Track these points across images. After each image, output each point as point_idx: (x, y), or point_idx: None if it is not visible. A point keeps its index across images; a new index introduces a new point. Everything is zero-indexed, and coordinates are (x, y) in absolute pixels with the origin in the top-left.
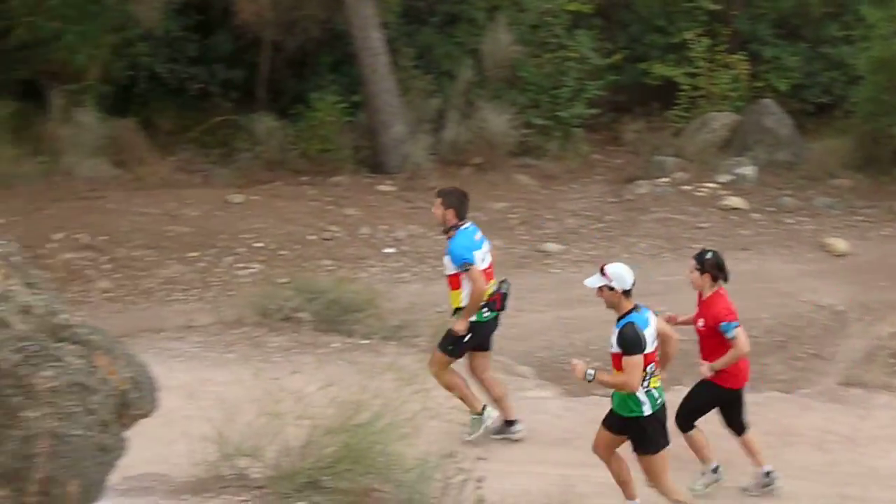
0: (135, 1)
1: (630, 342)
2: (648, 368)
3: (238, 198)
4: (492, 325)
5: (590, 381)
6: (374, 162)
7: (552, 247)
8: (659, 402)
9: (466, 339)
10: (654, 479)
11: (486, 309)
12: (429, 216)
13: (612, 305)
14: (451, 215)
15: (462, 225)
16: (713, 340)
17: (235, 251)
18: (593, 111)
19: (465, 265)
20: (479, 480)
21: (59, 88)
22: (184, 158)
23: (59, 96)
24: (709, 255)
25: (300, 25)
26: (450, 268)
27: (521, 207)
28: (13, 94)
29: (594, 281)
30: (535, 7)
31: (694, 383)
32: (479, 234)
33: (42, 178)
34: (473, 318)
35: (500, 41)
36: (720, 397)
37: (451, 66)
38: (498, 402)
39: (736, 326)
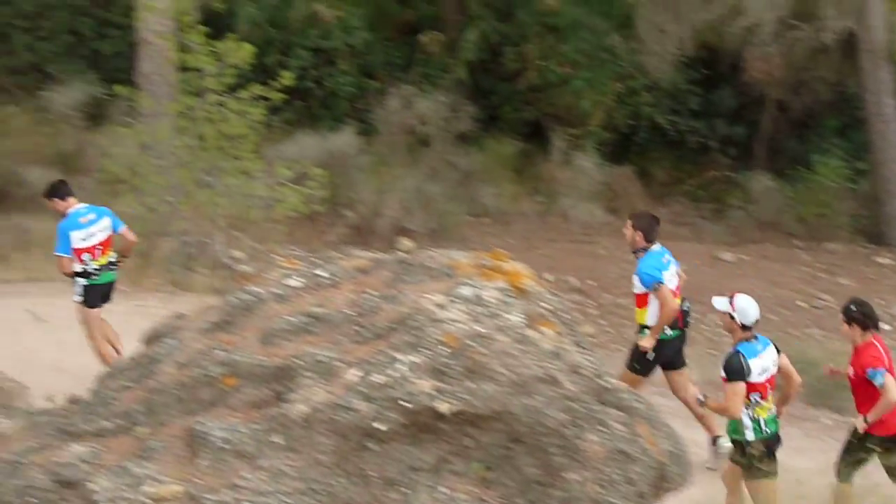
0: (645, 52)
1: (732, 370)
2: (753, 396)
3: (728, 255)
4: (676, 342)
5: (702, 405)
6: (873, 232)
7: None
8: (766, 430)
9: (651, 357)
10: None
11: (668, 328)
12: None
13: (728, 331)
14: (639, 238)
15: (651, 247)
16: (864, 389)
17: None
18: None
19: (655, 285)
20: None
21: (563, 132)
22: (675, 210)
23: (562, 139)
24: (853, 307)
25: (808, 86)
26: (637, 287)
27: None
28: (519, 134)
29: (721, 304)
30: None
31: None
32: (667, 257)
33: (538, 218)
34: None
35: None
36: (880, 444)
37: None
38: (700, 420)
39: (884, 373)
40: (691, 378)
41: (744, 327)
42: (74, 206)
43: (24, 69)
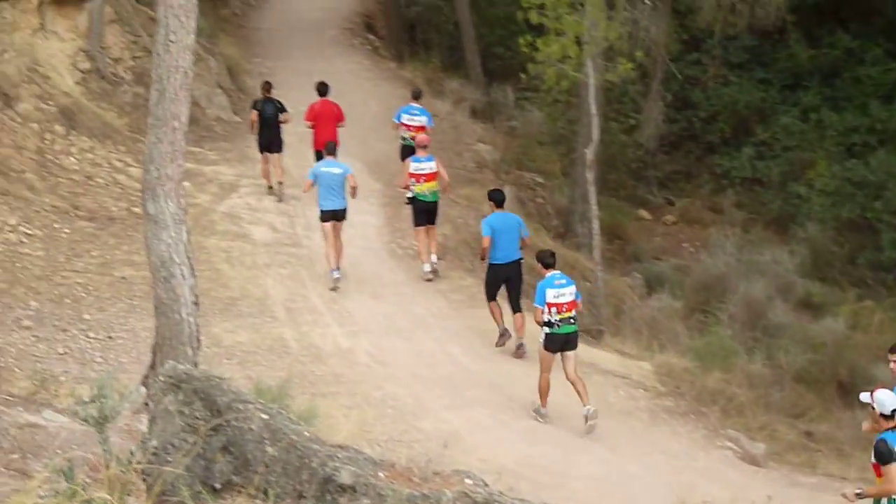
0: None
1: (881, 454)
2: None
3: None
4: None
5: (860, 496)
6: None
7: None
8: None
9: None
10: None
11: None
12: None
13: (873, 421)
14: None
15: None
16: None
17: None
18: None
19: None
20: None
21: None
22: None
23: None
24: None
25: None
26: None
27: None
28: None
29: (865, 398)
30: None
31: None
32: None
33: None
34: None
35: None
36: None
37: None
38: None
39: None
40: None
41: (883, 416)
42: None
43: (889, 266)
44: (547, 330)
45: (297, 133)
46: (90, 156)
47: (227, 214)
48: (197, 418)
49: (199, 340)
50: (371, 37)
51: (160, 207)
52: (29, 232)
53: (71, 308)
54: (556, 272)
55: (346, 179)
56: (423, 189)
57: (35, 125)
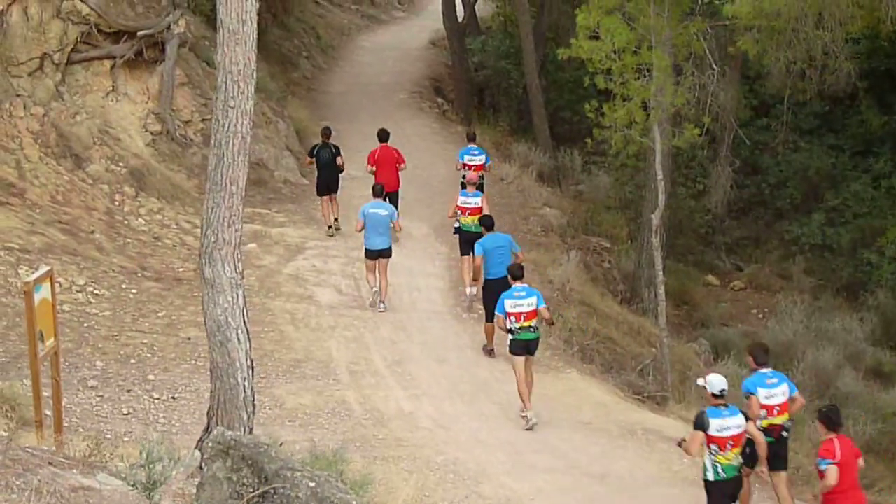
0: None
1: (696, 422)
2: (713, 447)
3: None
4: None
5: (680, 446)
6: None
7: None
8: (722, 475)
9: None
10: None
11: None
12: None
13: (706, 401)
14: None
15: None
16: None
17: None
18: None
19: None
20: None
21: None
22: None
23: None
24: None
25: None
26: None
27: None
28: None
29: (700, 381)
30: None
31: None
32: None
33: None
34: None
35: None
36: None
37: None
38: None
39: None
40: None
41: (713, 395)
42: None
43: None
44: (510, 336)
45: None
46: (158, 217)
47: (293, 276)
48: (245, 485)
49: (254, 405)
50: (440, 100)
51: (217, 272)
52: (97, 292)
53: (136, 368)
54: (519, 284)
55: (391, 221)
56: (468, 221)
57: (105, 186)
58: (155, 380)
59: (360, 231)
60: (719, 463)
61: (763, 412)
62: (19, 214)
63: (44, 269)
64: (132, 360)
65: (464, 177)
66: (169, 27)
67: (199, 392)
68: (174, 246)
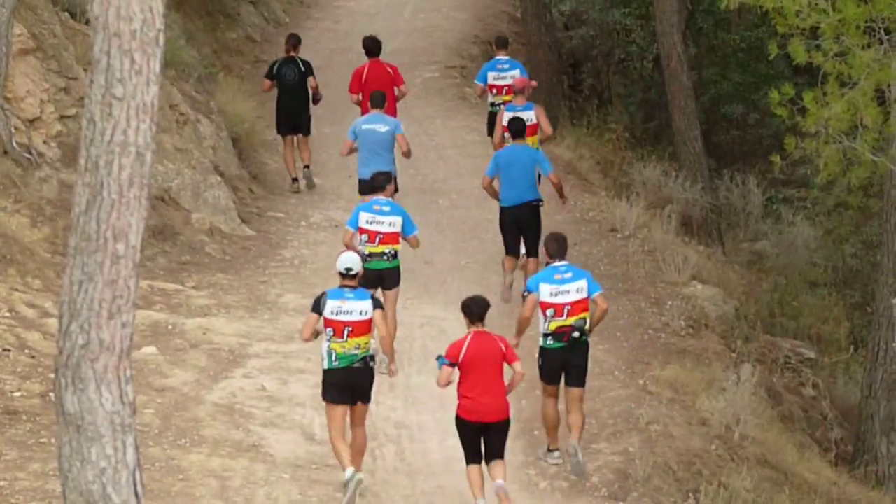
0: None
1: (312, 303)
2: (328, 331)
3: None
4: None
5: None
6: None
7: None
8: (335, 363)
9: None
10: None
11: None
12: None
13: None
14: None
15: None
16: None
17: None
18: None
19: None
20: None
21: None
22: None
23: None
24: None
25: None
26: None
27: None
28: None
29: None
30: None
31: None
32: None
33: None
34: None
35: None
36: None
37: None
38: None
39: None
40: None
41: (340, 274)
42: None
43: None
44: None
45: None
46: None
47: (224, 408)
48: None
49: None
50: None
51: (87, 401)
52: None
53: None
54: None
55: (394, 139)
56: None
57: None
58: None
59: (346, 155)
60: (334, 350)
61: (550, 311)
62: None
63: None
64: None
65: (492, 105)
66: None
67: None
68: (4, 351)
